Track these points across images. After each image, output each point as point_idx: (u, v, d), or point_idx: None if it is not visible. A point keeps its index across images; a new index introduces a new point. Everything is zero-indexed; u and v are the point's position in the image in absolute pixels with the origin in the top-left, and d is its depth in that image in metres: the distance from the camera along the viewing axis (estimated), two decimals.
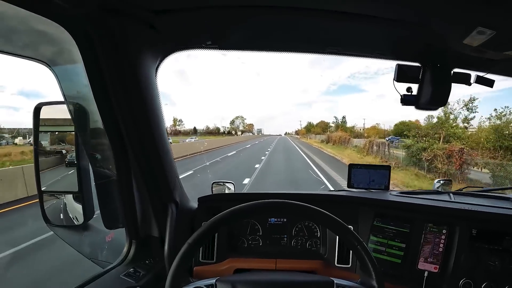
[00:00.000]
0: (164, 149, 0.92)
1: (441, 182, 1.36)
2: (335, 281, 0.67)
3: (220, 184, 1.32)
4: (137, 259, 0.95)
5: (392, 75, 0.95)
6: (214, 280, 0.67)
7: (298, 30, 0.82)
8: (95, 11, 0.69)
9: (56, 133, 1.16)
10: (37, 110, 1.00)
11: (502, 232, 0.94)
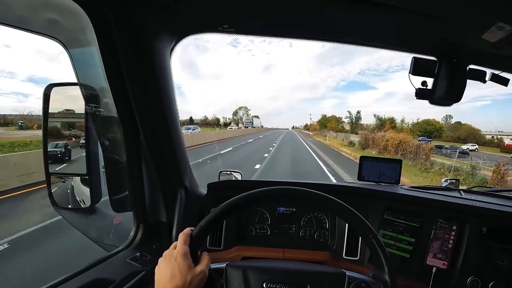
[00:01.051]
0: (176, 134, 0.92)
1: (449, 181, 1.35)
2: (347, 273, 0.66)
3: (228, 173, 1.31)
4: (144, 244, 0.95)
5: (402, 73, 0.98)
6: (224, 265, 0.67)
7: (314, 17, 0.81)
8: None
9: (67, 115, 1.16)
10: (47, 90, 1.00)
11: None
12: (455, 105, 1.03)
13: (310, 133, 53.85)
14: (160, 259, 0.61)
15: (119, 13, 0.73)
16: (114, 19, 0.73)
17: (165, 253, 0.62)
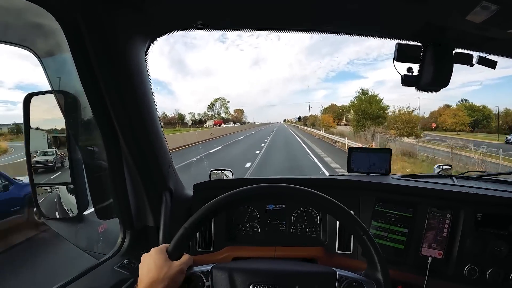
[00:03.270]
0: (157, 136, 0.90)
1: (441, 167, 1.33)
2: (337, 272, 0.64)
3: (218, 172, 1.29)
4: (132, 250, 0.94)
5: (391, 61, 0.92)
6: (210, 267, 0.65)
7: (291, 7, 0.78)
8: None
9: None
10: (27, 100, 0.98)
11: (507, 216, 0.92)
12: (443, 91, 1.00)
13: (319, 132, 27.39)
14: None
15: (89, 17, 0.70)
16: (85, 24, 0.71)
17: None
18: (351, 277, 0.63)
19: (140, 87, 0.83)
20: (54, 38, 0.82)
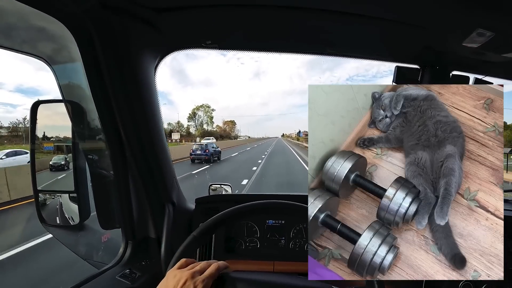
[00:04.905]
0: (162, 149, 0.92)
1: None
2: None
3: (217, 187, 1.32)
4: (133, 260, 0.94)
5: (390, 78, 0.96)
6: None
7: (297, 30, 0.82)
8: (96, 9, 0.69)
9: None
10: (35, 108, 0.99)
11: None
12: None
13: None
14: (171, 272, 0.57)
15: (101, 28, 0.73)
16: (97, 35, 0.73)
17: (182, 271, 0.57)
18: None
19: (148, 100, 0.85)
20: (67, 48, 0.84)
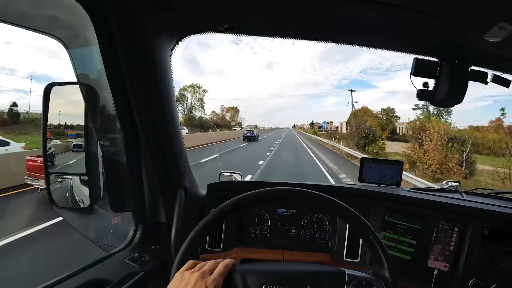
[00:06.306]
0: (176, 134, 0.92)
1: (450, 183, 1.35)
2: (347, 272, 0.65)
3: (227, 175, 1.31)
4: (143, 244, 0.94)
5: (405, 72, 0.96)
6: None
7: (314, 17, 0.81)
8: None
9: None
10: (47, 90, 1.00)
11: None
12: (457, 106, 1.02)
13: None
14: (180, 275, 0.57)
15: (119, 11, 0.72)
16: (115, 18, 0.73)
17: (192, 272, 0.57)
18: (359, 276, 0.64)
19: (164, 84, 0.85)
20: (83, 30, 0.84)
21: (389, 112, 27.90)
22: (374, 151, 17.93)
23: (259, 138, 26.52)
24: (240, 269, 0.66)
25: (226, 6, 0.78)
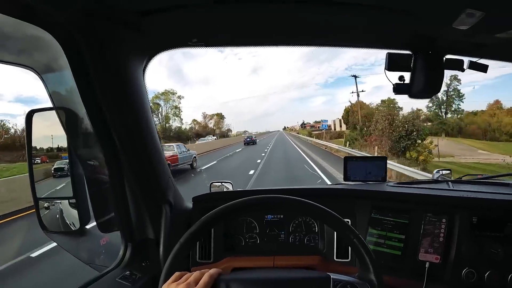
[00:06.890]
0: (155, 150, 0.92)
1: (441, 172, 1.34)
2: (331, 276, 0.65)
3: (218, 185, 1.31)
4: (133, 262, 0.95)
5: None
6: None
7: (283, 23, 0.81)
8: (80, 17, 0.69)
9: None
10: (29, 116, 1.00)
11: (503, 218, 0.92)
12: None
13: None
14: (166, 287, 0.59)
15: (87, 35, 0.73)
16: (83, 42, 0.73)
17: (177, 284, 0.58)
18: (344, 280, 0.64)
19: (138, 103, 0.85)
20: (55, 57, 0.84)
21: (390, 103, 25.82)
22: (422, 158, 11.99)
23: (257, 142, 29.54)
24: (225, 279, 0.66)
25: (192, 22, 0.78)
